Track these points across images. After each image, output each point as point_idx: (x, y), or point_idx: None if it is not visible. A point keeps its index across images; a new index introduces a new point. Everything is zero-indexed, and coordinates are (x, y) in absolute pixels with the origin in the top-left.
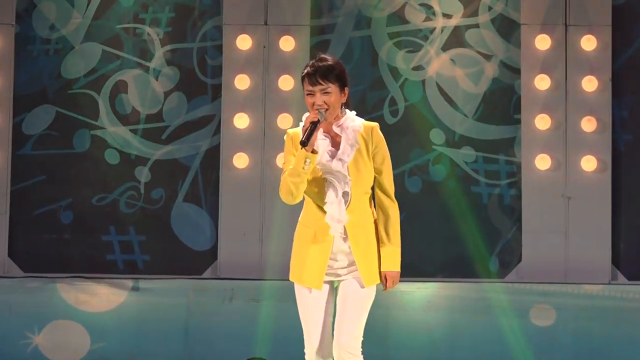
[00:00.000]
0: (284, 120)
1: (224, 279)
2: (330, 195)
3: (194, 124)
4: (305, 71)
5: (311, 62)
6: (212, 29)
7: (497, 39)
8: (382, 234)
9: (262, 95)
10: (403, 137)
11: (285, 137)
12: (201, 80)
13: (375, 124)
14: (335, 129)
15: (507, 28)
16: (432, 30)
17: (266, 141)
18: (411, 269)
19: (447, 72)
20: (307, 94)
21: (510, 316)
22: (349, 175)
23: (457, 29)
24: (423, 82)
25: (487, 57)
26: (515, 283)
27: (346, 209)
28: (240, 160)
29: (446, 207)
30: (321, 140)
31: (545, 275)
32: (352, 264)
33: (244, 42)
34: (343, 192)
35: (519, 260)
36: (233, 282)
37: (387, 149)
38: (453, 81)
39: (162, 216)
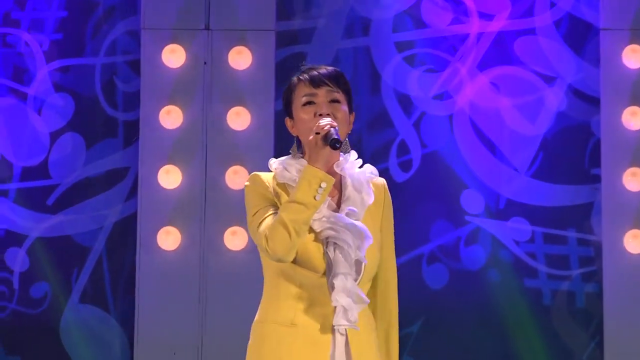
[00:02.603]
0: (235, 176)
1: None
2: (339, 263)
3: (97, 183)
4: (303, 76)
5: (304, 69)
6: (126, 36)
7: (565, 51)
8: (380, 344)
9: (203, 137)
10: (420, 203)
11: (248, 184)
12: (108, 115)
13: (384, 180)
14: (340, 172)
15: (580, 35)
16: (464, 39)
17: (209, 207)
18: None
19: (486, 102)
20: (305, 103)
21: None
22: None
23: (502, 37)
24: (450, 118)
25: (549, 80)
26: None
27: None
28: (169, 238)
29: (486, 312)
30: None
31: None
32: None
33: (174, 57)
34: (355, 261)
35: None
36: None
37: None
38: (496, 117)
39: (46, 325)
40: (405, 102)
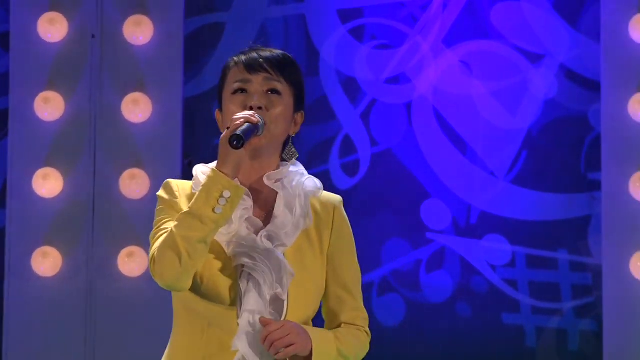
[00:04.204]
0: (132, 182)
1: None
2: (250, 299)
3: None
4: (240, 58)
5: (246, 49)
6: None
7: (555, 22)
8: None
9: (90, 131)
10: (369, 216)
11: (159, 192)
12: None
13: (339, 198)
14: (270, 184)
15: (575, 1)
16: (425, 5)
17: (98, 222)
18: None
19: (455, 87)
20: (236, 91)
21: None
22: (290, 266)
23: (475, 3)
24: (408, 107)
25: (535, 59)
26: None
27: None
28: (47, 261)
29: (454, 356)
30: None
31: None
32: None
33: (53, 28)
34: (273, 297)
35: None
36: None
37: (354, 243)
38: (467, 106)
39: None
40: (351, 87)
